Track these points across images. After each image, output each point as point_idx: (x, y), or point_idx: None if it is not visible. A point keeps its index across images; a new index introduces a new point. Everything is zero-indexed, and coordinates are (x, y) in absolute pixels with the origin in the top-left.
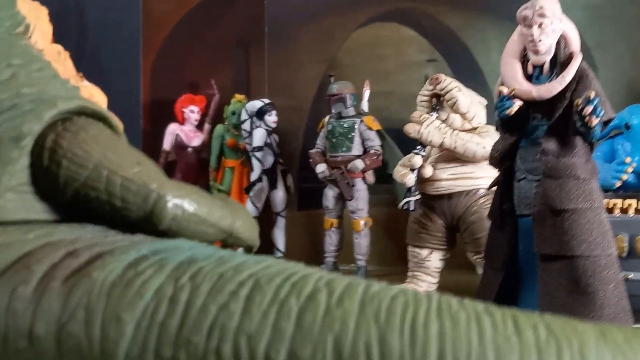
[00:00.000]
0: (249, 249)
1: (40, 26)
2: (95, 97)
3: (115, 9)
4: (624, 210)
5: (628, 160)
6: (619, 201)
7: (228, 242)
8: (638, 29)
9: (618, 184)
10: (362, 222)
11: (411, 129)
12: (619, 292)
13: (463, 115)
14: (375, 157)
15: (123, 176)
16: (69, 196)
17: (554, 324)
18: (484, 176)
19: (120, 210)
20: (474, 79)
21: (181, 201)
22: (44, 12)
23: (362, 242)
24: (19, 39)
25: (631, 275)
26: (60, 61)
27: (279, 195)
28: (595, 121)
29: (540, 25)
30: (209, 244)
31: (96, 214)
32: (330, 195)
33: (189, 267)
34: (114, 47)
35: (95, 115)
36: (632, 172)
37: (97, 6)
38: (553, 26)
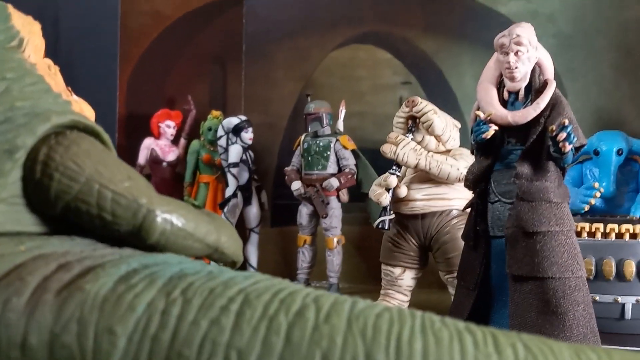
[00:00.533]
0: (232, 265)
1: (33, 40)
2: (85, 111)
3: (92, 21)
4: (591, 234)
5: (596, 185)
6: (586, 225)
7: (213, 257)
8: (606, 60)
9: (586, 208)
10: (335, 240)
11: (387, 150)
12: (587, 314)
13: (438, 138)
14: (349, 176)
15: (114, 190)
16: (59, 209)
17: (531, 343)
18: (457, 197)
19: (110, 224)
20: (447, 102)
21: (170, 216)
22: (37, 26)
23: (334, 259)
24: (12, 52)
25: (597, 298)
26: (51, 75)
27: (253, 211)
28: (568, 147)
29: (516, 53)
30: (195, 259)
31: (85, 227)
32: (304, 212)
33: (180, 281)
34: (90, 59)
35: (87, 130)
36: (600, 196)
37: (74, 18)
38: (529, 54)
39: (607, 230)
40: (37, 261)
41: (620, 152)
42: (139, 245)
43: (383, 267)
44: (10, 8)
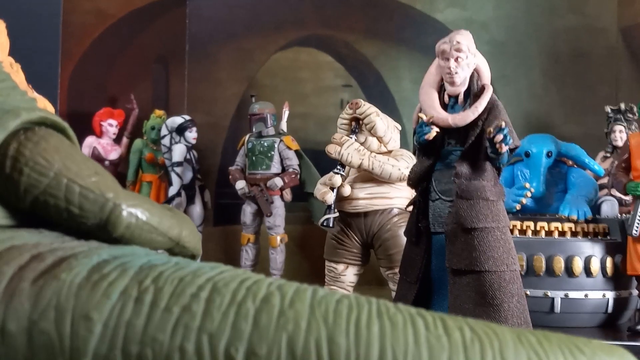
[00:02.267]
0: (192, 258)
1: None
2: (48, 108)
3: (34, 18)
4: (522, 232)
5: (527, 185)
6: (518, 223)
7: (174, 250)
8: (536, 66)
9: (518, 207)
10: (278, 238)
11: (332, 150)
12: (521, 305)
13: (380, 139)
14: (293, 176)
15: (81, 185)
16: (28, 202)
17: (477, 326)
18: (398, 196)
19: (78, 217)
20: (386, 104)
21: (135, 210)
22: (2, 25)
23: (277, 257)
24: None
25: (528, 292)
26: (14, 73)
27: (196, 210)
28: (504, 148)
29: (456, 59)
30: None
31: (52, 221)
32: (248, 211)
33: (150, 271)
34: (31, 56)
35: (54, 127)
36: (531, 196)
37: (15, 14)
38: (468, 60)
39: (537, 228)
40: (11, 252)
41: (549, 154)
42: (104, 238)
43: (327, 263)
44: None
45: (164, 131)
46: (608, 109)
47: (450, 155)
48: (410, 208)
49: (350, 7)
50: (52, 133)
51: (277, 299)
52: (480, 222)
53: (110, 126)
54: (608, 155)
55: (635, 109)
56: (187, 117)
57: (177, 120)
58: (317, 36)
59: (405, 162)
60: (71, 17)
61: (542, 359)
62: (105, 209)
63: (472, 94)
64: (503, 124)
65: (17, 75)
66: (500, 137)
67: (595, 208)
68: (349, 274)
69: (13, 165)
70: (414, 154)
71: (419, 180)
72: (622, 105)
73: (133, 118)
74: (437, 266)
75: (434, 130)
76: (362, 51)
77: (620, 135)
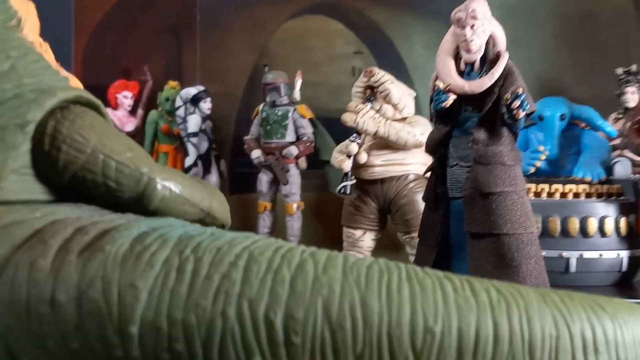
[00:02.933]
0: (221, 228)
1: (30, 20)
2: (78, 86)
3: None
4: (537, 194)
5: (541, 148)
6: (533, 185)
7: (205, 220)
8: (547, 29)
9: (532, 170)
10: (295, 206)
11: (348, 118)
12: (539, 267)
13: (395, 106)
14: (308, 144)
15: (117, 160)
16: (67, 178)
17: (502, 288)
18: (414, 162)
19: (114, 192)
20: (398, 71)
21: (168, 183)
22: (32, 6)
23: (294, 224)
24: (13, 31)
25: (544, 253)
26: (43, 52)
27: (213, 179)
28: (521, 114)
29: (472, 27)
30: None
31: (89, 195)
32: (264, 180)
33: (189, 241)
34: (44, 30)
35: (89, 104)
36: (545, 159)
37: None
38: (483, 27)
39: (552, 191)
40: (55, 225)
41: (563, 117)
42: (140, 210)
43: (345, 230)
44: None
45: (178, 102)
46: (619, 70)
47: (467, 121)
48: (428, 174)
49: None
50: (86, 111)
51: (311, 266)
52: (498, 186)
53: (126, 98)
54: (620, 116)
55: None
56: (201, 88)
57: (191, 91)
58: (328, 3)
59: (421, 129)
60: None
61: (565, 316)
62: (140, 182)
63: (488, 60)
64: (520, 90)
65: (47, 54)
66: (517, 103)
67: (609, 169)
68: (367, 239)
69: (51, 143)
70: (431, 121)
71: (436, 146)
72: (634, 67)
73: (147, 90)
74: (455, 230)
75: (451, 98)
76: (373, 18)
77: (632, 97)
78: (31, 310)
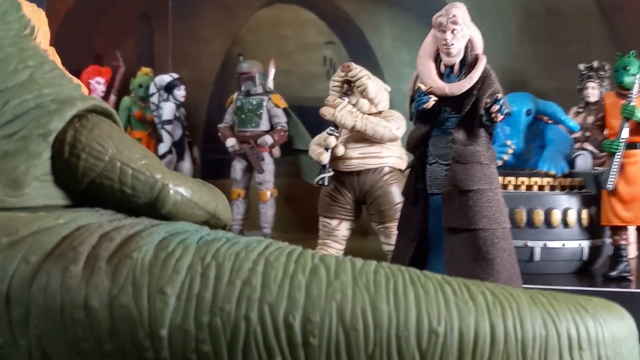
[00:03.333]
0: (224, 228)
1: (42, 28)
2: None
3: None
4: (504, 186)
5: (509, 142)
6: (500, 178)
7: (210, 222)
8: (512, 24)
9: (499, 163)
10: (268, 193)
11: (326, 112)
12: (512, 259)
13: (371, 101)
14: (282, 133)
15: (133, 167)
16: (85, 184)
17: (496, 290)
18: (389, 155)
19: (130, 197)
20: (368, 61)
21: (180, 188)
22: (42, 14)
23: (267, 211)
24: (27, 40)
25: None
26: (55, 59)
27: (186, 166)
28: (500, 118)
29: (452, 32)
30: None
31: (105, 200)
32: (238, 167)
33: (209, 247)
34: None
35: (103, 113)
36: (512, 153)
37: None
38: (463, 32)
39: (518, 183)
40: (80, 233)
41: (529, 112)
42: (153, 214)
43: (321, 219)
44: None
45: (152, 89)
46: (582, 66)
47: (446, 122)
48: (408, 171)
49: None
50: (103, 120)
51: (324, 271)
52: (475, 184)
53: (98, 84)
54: (581, 110)
55: (607, 67)
56: (175, 75)
57: (165, 78)
58: None
59: (396, 123)
60: None
61: (553, 317)
62: (155, 188)
63: (467, 63)
64: (499, 95)
65: (55, 59)
66: (496, 107)
67: (571, 162)
68: (342, 229)
69: (71, 151)
70: (411, 119)
71: (416, 145)
72: (596, 63)
73: (120, 75)
74: (433, 225)
75: (432, 100)
76: (344, 8)
77: (593, 92)
78: (65, 316)
